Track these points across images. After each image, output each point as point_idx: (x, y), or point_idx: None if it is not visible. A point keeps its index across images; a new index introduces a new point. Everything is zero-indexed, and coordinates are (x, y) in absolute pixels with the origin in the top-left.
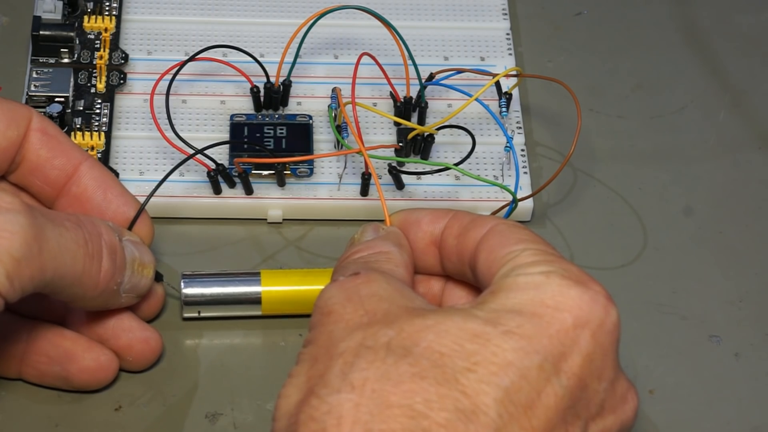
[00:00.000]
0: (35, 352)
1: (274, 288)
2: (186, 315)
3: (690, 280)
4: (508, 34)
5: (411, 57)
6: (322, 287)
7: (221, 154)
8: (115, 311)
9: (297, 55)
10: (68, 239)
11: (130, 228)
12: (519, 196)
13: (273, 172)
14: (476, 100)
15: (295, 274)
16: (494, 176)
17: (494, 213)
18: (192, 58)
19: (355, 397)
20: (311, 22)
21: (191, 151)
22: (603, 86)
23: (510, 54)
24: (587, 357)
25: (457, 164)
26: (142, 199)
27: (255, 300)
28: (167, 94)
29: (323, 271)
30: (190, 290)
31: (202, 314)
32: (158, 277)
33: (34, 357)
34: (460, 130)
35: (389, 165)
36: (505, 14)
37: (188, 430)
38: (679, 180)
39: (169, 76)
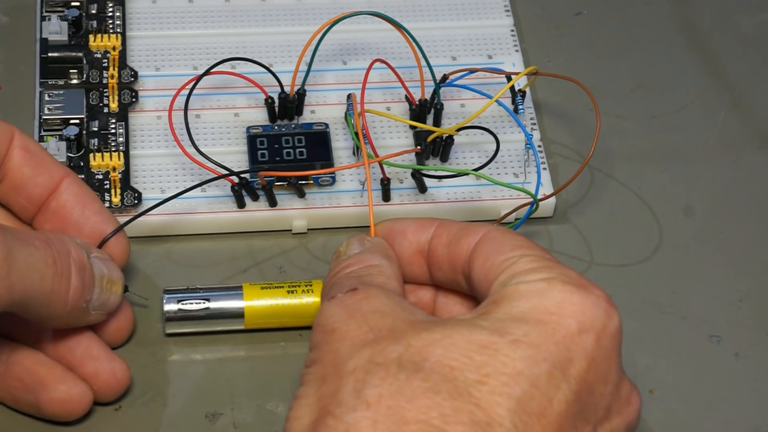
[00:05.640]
0: (10, 377)
1: (257, 302)
2: (168, 331)
3: (690, 280)
4: (512, 30)
5: (425, 58)
6: (305, 299)
7: (242, 168)
8: (85, 339)
9: (311, 64)
10: (37, 258)
11: (100, 246)
12: (541, 192)
13: (286, 183)
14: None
15: (277, 286)
16: (514, 174)
17: (513, 212)
18: (207, 72)
19: (372, 415)
20: (325, 29)
21: (212, 166)
22: (603, 86)
23: (516, 50)
24: (593, 361)
25: (480, 168)
26: (165, 218)
27: (238, 315)
28: (185, 110)
29: (304, 283)
30: (171, 306)
31: (185, 330)
32: (124, 289)
33: (9, 381)
34: (478, 131)
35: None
36: (508, 11)
37: (188, 430)
38: (679, 180)
39: (184, 92)
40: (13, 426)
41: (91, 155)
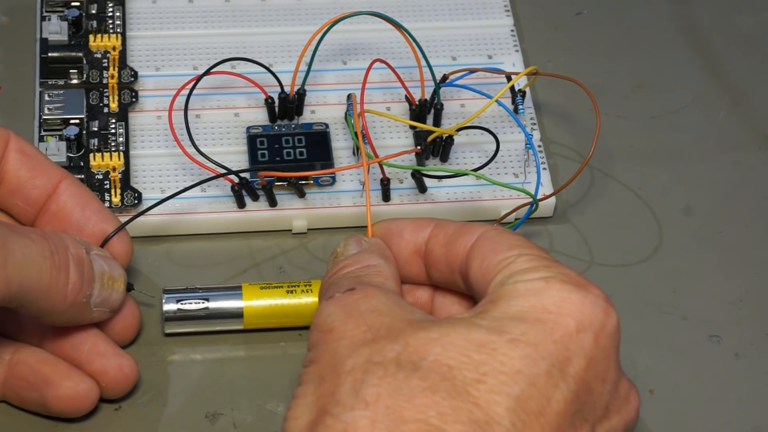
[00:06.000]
0: (15, 376)
1: (256, 302)
2: (168, 331)
3: (690, 280)
4: (512, 30)
5: (425, 59)
6: (304, 299)
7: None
8: (91, 336)
9: (311, 64)
10: (34, 251)
11: (103, 244)
12: (541, 192)
13: (286, 183)
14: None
15: (276, 286)
16: (514, 174)
17: (513, 212)
18: (207, 72)
19: (370, 414)
20: (325, 29)
21: (212, 166)
22: (603, 86)
23: (516, 50)
24: (591, 360)
25: (480, 168)
26: (165, 218)
27: (237, 314)
28: (185, 110)
29: (304, 283)
30: (171, 306)
31: (184, 330)
32: (129, 287)
33: (14, 381)
34: (478, 131)
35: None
36: (508, 11)
37: (188, 430)
38: (679, 180)
39: (184, 92)
40: (13, 425)
41: (91, 155)
